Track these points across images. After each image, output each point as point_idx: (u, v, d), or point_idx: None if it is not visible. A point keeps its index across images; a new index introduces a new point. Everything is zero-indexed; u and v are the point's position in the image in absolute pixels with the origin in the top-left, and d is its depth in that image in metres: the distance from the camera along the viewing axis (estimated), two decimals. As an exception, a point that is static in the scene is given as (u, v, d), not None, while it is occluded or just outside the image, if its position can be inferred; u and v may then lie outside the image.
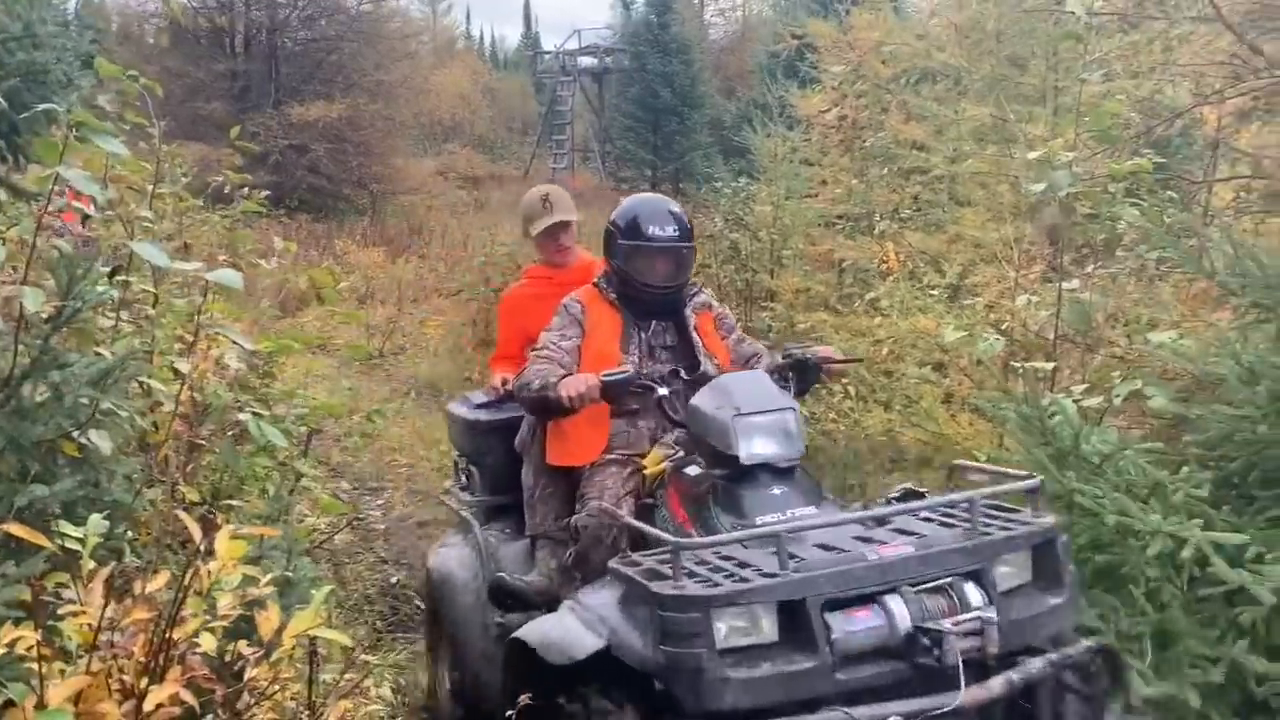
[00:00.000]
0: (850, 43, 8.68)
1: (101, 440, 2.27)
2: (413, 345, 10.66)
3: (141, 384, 2.93)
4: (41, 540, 1.61)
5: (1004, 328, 4.03)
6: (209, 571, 1.54)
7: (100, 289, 2.24)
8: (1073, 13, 3.81)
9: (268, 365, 4.91)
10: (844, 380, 6.49)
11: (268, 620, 1.56)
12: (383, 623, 4.43)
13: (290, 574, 2.54)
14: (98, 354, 2.12)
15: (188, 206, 4.80)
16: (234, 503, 4.06)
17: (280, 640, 1.55)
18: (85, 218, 2.23)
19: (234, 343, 2.54)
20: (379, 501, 6.12)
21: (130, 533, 2.53)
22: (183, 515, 1.64)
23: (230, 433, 3.27)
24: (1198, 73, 4.74)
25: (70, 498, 2.01)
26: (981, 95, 6.89)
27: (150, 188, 4.06)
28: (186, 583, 1.47)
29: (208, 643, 1.47)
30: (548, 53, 38.39)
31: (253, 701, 1.60)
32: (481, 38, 60.29)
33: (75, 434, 2.25)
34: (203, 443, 4.25)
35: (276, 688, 1.66)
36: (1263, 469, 2.72)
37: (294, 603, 2.61)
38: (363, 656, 2.59)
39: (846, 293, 8.38)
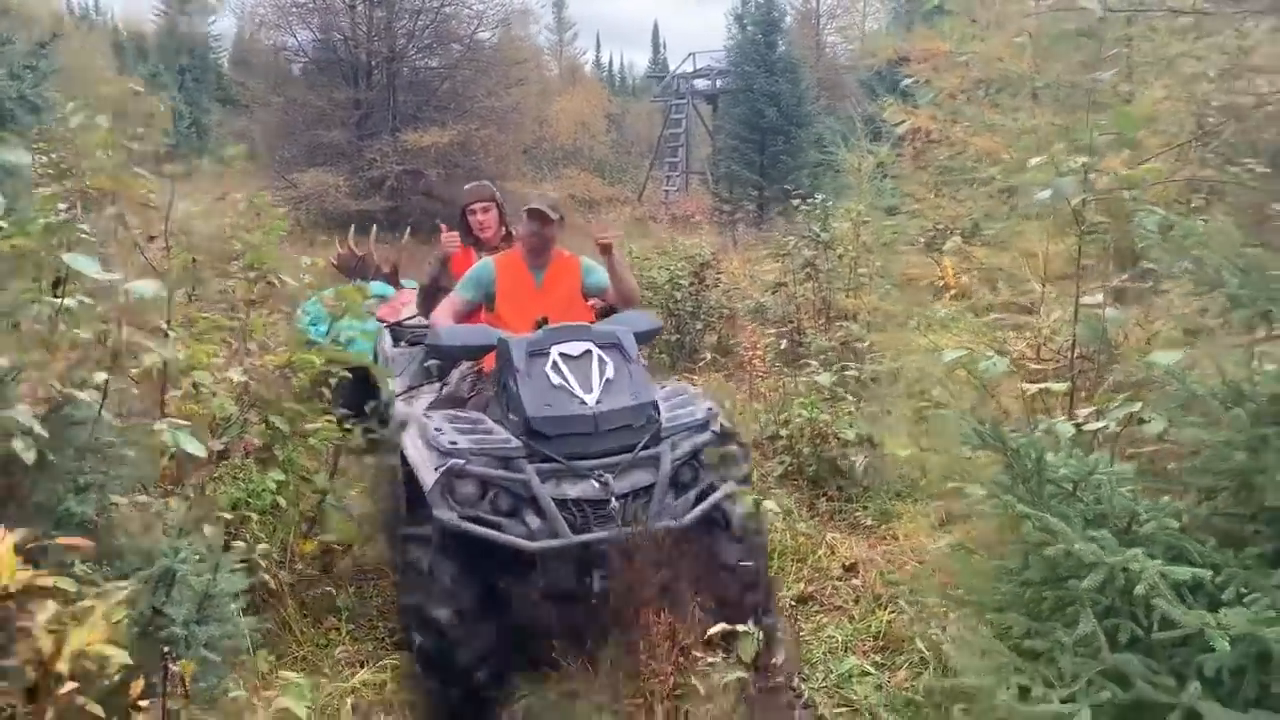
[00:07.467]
0: (927, 53, 8.43)
1: (24, 450, 2.32)
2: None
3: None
4: None
5: (1025, 346, 3.77)
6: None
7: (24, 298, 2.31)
8: (1086, 8, 3.56)
9: (296, 379, 4.98)
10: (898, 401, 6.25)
11: (40, 637, 1.53)
12: (390, 640, 4.42)
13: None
14: (-8, 363, 2.17)
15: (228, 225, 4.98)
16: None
17: (59, 656, 1.53)
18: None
19: (154, 351, 2.55)
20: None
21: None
22: None
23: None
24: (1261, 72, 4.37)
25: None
26: (1053, 103, 6.58)
27: (170, 205, 4.23)
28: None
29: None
30: (663, 76, 38.70)
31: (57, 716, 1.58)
32: (610, 64, 61.36)
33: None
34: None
35: (83, 699, 1.64)
36: (1246, 500, 2.45)
37: (209, 616, 2.61)
38: (284, 674, 2.57)
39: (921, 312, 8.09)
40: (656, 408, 3.86)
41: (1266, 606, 2.22)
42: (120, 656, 1.63)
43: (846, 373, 6.72)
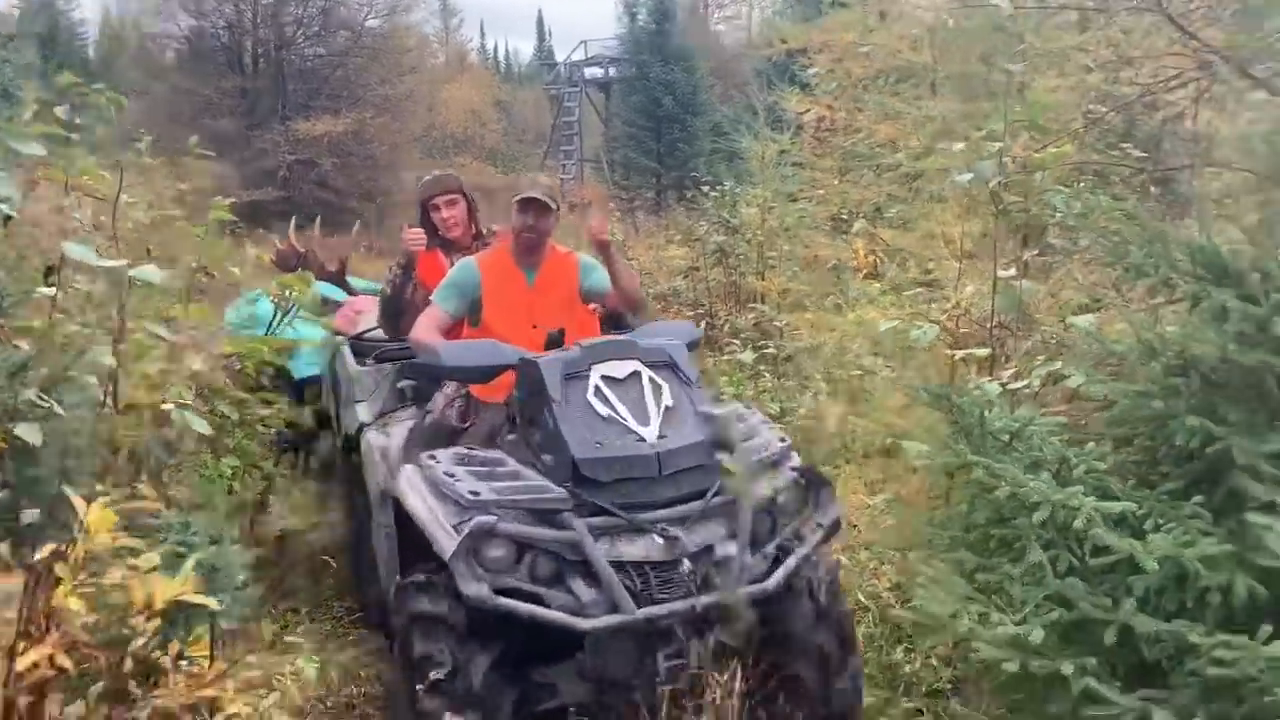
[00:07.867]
0: (826, 44, 8.79)
1: (30, 434, 2.39)
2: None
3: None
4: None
5: (944, 317, 4.11)
6: (80, 541, 1.65)
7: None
8: (997, 4, 3.90)
9: (242, 367, 5.01)
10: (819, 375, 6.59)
11: (139, 587, 1.66)
12: (350, 618, 4.54)
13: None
14: (15, 347, 2.24)
15: (164, 216, 4.95)
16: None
17: (152, 605, 1.66)
18: (7, 219, 2.35)
19: (158, 336, 2.64)
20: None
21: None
22: (67, 490, 1.76)
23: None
24: (1144, 63, 4.82)
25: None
26: (954, 93, 6.99)
27: (118, 195, 4.23)
28: (61, 550, 1.58)
29: (74, 605, 1.57)
30: (555, 64, 38.73)
31: (135, 668, 1.70)
32: (495, 51, 60.76)
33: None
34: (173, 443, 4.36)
35: (160, 653, 1.77)
36: (1162, 444, 2.79)
37: (218, 588, 2.73)
38: (292, 639, 2.70)
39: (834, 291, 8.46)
40: None
41: (1182, 534, 2.57)
42: (211, 604, 1.76)
43: (764, 351, 7.04)
